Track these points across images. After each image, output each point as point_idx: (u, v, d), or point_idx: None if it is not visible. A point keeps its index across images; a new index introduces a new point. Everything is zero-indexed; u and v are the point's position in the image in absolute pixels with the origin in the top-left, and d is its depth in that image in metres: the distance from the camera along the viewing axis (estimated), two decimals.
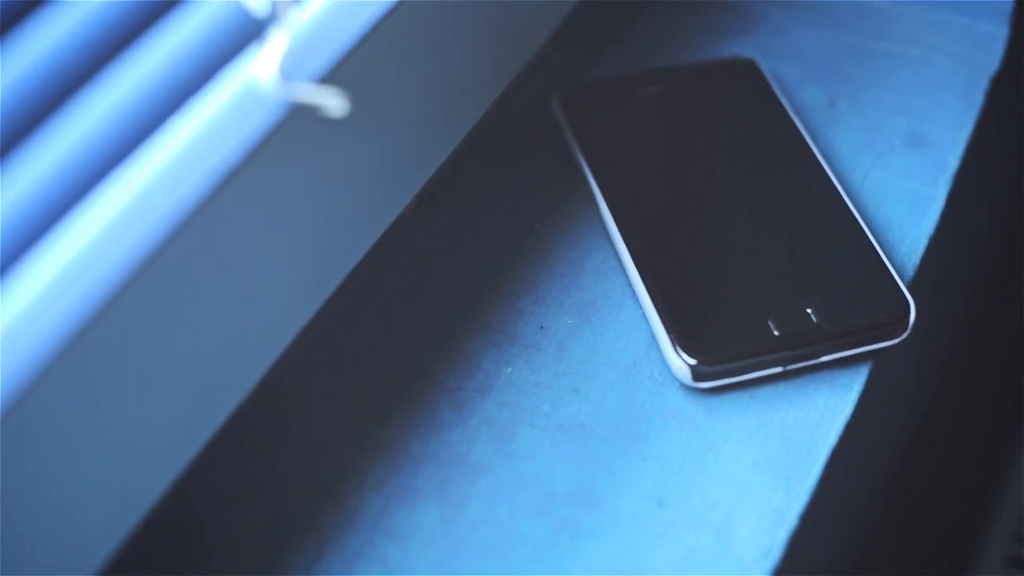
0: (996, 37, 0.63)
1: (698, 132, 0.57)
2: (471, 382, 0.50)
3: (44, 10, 0.37)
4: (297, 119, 0.39)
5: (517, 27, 0.52)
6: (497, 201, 0.56)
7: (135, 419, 0.37)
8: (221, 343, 0.40)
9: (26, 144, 0.36)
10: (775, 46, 0.63)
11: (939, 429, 0.83)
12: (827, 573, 0.62)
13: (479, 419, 0.48)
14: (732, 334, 0.49)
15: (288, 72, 0.39)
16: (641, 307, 0.51)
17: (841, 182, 0.55)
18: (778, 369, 0.49)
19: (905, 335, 0.50)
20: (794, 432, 0.48)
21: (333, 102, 0.39)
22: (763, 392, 0.49)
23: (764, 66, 0.60)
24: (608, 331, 0.51)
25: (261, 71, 0.39)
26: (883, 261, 0.51)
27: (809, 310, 0.49)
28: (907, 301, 0.50)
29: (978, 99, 0.60)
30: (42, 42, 0.37)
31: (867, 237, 0.52)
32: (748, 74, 0.60)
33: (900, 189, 0.56)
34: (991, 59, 0.62)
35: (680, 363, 0.48)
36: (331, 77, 0.40)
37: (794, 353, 0.48)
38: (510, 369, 0.50)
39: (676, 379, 0.49)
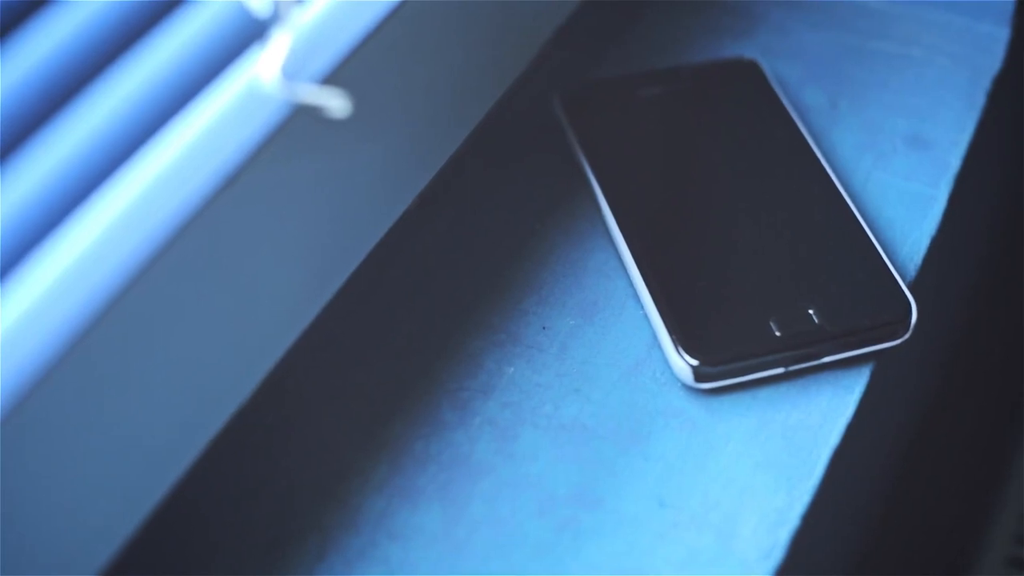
0: (997, 38, 0.63)
1: (700, 133, 0.57)
2: (473, 382, 0.50)
3: (46, 11, 0.37)
4: (299, 120, 0.39)
5: (519, 27, 0.52)
6: (499, 201, 0.56)
7: (137, 419, 0.37)
8: (224, 343, 0.40)
9: (29, 145, 0.36)
10: (776, 47, 0.63)
11: (940, 430, 0.83)
12: (828, 573, 0.62)
13: (482, 419, 0.48)
14: (734, 335, 0.49)
15: (290, 73, 0.39)
16: (643, 308, 0.51)
17: (842, 183, 0.55)
18: (780, 370, 0.49)
19: (907, 336, 0.50)
20: (796, 432, 0.48)
21: (335, 103, 0.39)
22: (765, 393, 0.49)
23: (766, 67, 0.60)
24: (610, 331, 0.51)
25: (264, 72, 0.39)
26: (884, 262, 0.51)
27: (811, 311, 0.49)
28: (908, 302, 0.50)
29: (979, 100, 0.60)
30: (44, 43, 0.37)
31: (868, 238, 0.52)
32: (749, 75, 0.60)
33: (901, 190, 0.56)
34: (992, 60, 0.62)
35: (682, 364, 0.48)
36: (333, 78, 0.40)
37: (796, 354, 0.48)
38: (512, 369, 0.50)
39: (678, 380, 0.49)
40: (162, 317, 0.37)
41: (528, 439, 0.48)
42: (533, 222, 0.55)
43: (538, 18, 0.53)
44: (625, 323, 0.51)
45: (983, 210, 0.76)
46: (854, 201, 0.54)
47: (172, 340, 0.38)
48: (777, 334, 0.49)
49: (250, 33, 0.39)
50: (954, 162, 0.57)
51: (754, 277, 0.51)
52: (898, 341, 0.50)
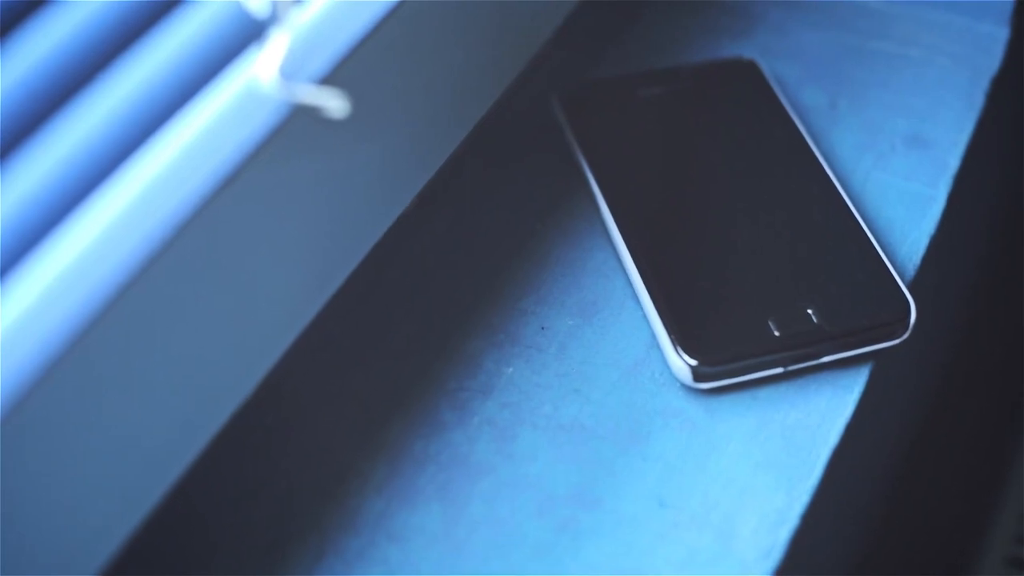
0: (996, 38, 0.63)
1: (699, 133, 0.57)
2: (472, 383, 0.50)
3: (44, 11, 0.37)
4: (298, 120, 0.39)
5: (518, 27, 0.52)
6: (498, 201, 0.56)
7: (136, 419, 0.37)
8: (223, 344, 0.40)
9: (27, 145, 0.36)
10: (775, 47, 0.63)
11: (940, 429, 0.83)
12: (828, 573, 0.62)
13: (480, 420, 0.48)
14: (733, 335, 0.49)
15: (289, 73, 0.39)
16: (642, 308, 0.51)
17: (842, 183, 0.55)
18: (779, 370, 0.49)
19: (906, 336, 0.50)
20: (795, 432, 0.48)
21: (334, 103, 0.39)
22: (764, 392, 0.49)
23: (764, 67, 0.60)
24: (609, 332, 0.51)
25: (262, 72, 0.39)
26: (884, 262, 0.51)
27: (810, 311, 0.49)
28: (908, 302, 0.50)
29: (979, 100, 0.60)
30: (43, 43, 0.37)
31: (868, 238, 0.52)
32: (748, 75, 0.60)
33: (901, 190, 0.56)
34: (991, 60, 0.62)
35: (681, 364, 0.48)
36: (332, 78, 0.40)
37: (795, 353, 0.48)
38: (511, 369, 0.50)
39: (677, 380, 0.49)
40: (161, 317, 0.37)
41: (527, 439, 0.48)
42: (532, 222, 0.55)
43: (537, 18, 0.53)
44: (624, 323, 0.51)
45: (982, 210, 0.76)
46: (853, 201, 0.54)
47: (171, 340, 0.38)
48: (776, 334, 0.49)
49: (248, 33, 0.39)
50: (953, 162, 0.57)
51: (753, 277, 0.51)
52: (897, 341, 0.50)
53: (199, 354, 0.39)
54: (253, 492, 0.47)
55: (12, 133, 0.36)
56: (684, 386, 0.49)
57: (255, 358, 0.42)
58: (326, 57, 0.40)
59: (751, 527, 0.45)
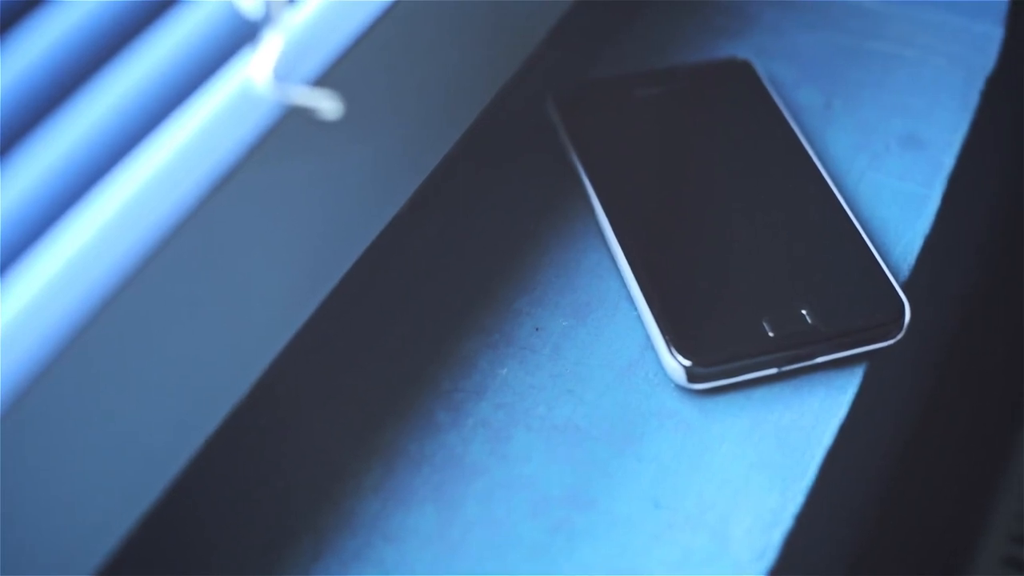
0: (991, 37, 0.63)
1: (693, 133, 0.57)
2: (467, 384, 0.50)
3: (38, 13, 0.37)
4: (291, 121, 0.39)
5: (512, 28, 0.52)
6: (492, 202, 0.56)
7: (133, 418, 0.37)
8: (218, 343, 0.40)
9: (23, 146, 0.36)
10: (770, 47, 0.63)
11: (934, 430, 0.83)
12: (822, 574, 0.62)
13: (475, 421, 0.48)
14: (727, 335, 0.49)
15: (282, 74, 0.39)
16: (636, 308, 0.51)
17: (836, 183, 0.55)
18: (773, 370, 0.49)
19: (900, 336, 0.50)
20: (789, 433, 0.48)
21: (327, 104, 0.39)
22: (758, 393, 0.49)
23: (759, 67, 0.60)
24: (603, 332, 0.51)
25: (255, 73, 0.39)
26: (878, 262, 0.51)
27: (804, 311, 0.49)
28: (902, 302, 0.50)
29: (973, 100, 0.60)
30: (36, 45, 0.37)
31: (862, 238, 0.52)
32: (743, 75, 0.60)
33: (895, 190, 0.56)
34: (986, 60, 0.62)
35: (675, 364, 0.48)
36: (325, 79, 0.40)
37: (789, 354, 0.49)
38: (505, 371, 0.50)
39: (671, 380, 0.49)
40: (156, 317, 0.37)
41: (521, 440, 0.48)
42: (526, 223, 0.55)
43: (531, 19, 0.53)
44: (618, 324, 0.51)
45: (977, 210, 0.76)
46: (848, 201, 0.54)
47: (166, 339, 0.38)
48: (770, 334, 0.49)
49: (242, 35, 0.39)
50: (948, 162, 0.57)
51: (747, 277, 0.51)
52: (891, 341, 0.50)
53: (194, 354, 0.39)
54: (249, 492, 0.47)
55: (8, 133, 0.36)
56: (678, 387, 0.49)
57: (250, 358, 0.42)
58: (320, 58, 0.40)
59: (745, 528, 0.45)
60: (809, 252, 0.52)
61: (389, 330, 0.52)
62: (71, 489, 0.36)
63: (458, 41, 0.48)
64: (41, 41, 0.37)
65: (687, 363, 0.48)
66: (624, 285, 0.52)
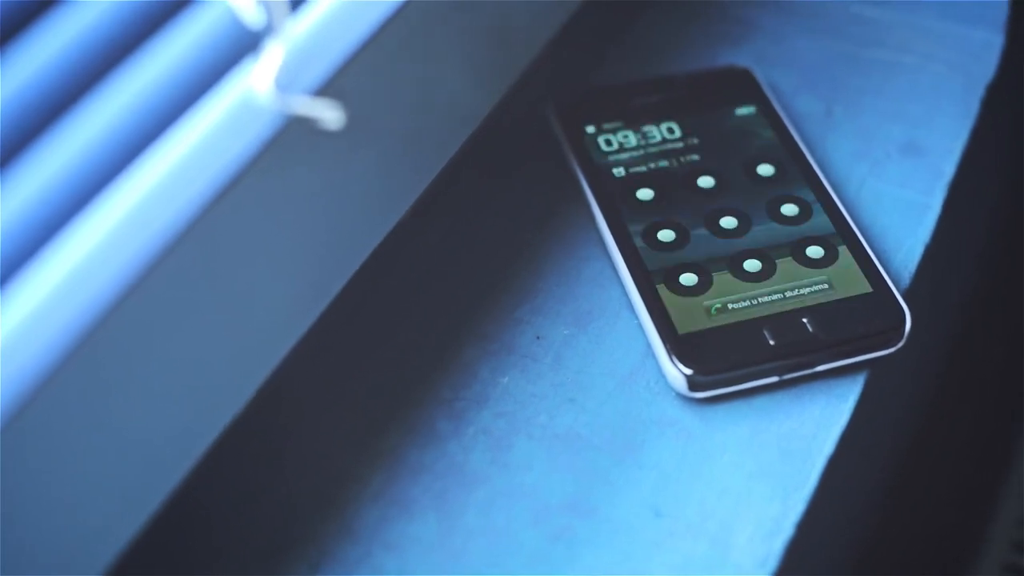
0: (991, 45, 0.63)
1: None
2: (468, 392, 0.50)
3: (40, 24, 0.37)
4: (293, 131, 0.39)
5: (514, 36, 0.52)
6: (494, 210, 0.56)
7: (136, 424, 0.37)
8: (220, 352, 0.40)
9: (26, 155, 0.36)
10: (770, 54, 0.63)
11: (935, 437, 0.83)
12: None
13: (476, 429, 0.49)
14: (728, 344, 0.49)
15: (284, 84, 0.39)
16: (637, 317, 0.51)
17: (837, 190, 0.55)
18: (774, 379, 0.49)
19: (901, 344, 0.50)
20: (790, 441, 0.48)
21: (329, 114, 0.39)
22: (759, 401, 0.49)
23: (759, 74, 0.60)
24: (604, 341, 0.51)
25: (257, 83, 0.39)
26: (879, 270, 0.51)
27: (805, 319, 0.49)
28: (903, 310, 0.50)
29: (974, 107, 0.60)
30: (39, 55, 0.37)
31: (863, 246, 0.52)
32: (743, 83, 0.60)
33: (896, 198, 0.56)
34: (986, 67, 0.62)
35: (676, 373, 0.48)
36: (327, 89, 0.40)
37: (790, 363, 0.49)
38: (507, 379, 0.50)
39: (672, 389, 0.49)
40: (158, 324, 0.37)
41: (522, 449, 0.48)
42: (527, 231, 0.55)
43: (532, 26, 0.53)
44: (619, 332, 0.51)
45: (978, 218, 0.76)
46: (848, 208, 0.54)
47: (168, 347, 0.38)
48: (771, 343, 0.49)
49: (244, 45, 0.39)
50: (948, 170, 0.58)
51: (748, 284, 0.51)
52: (892, 349, 0.50)
53: (197, 361, 0.39)
54: (250, 500, 0.47)
55: (11, 143, 0.36)
56: (679, 395, 0.49)
57: (252, 366, 0.42)
58: (321, 68, 0.40)
59: (746, 536, 0.45)
60: (810, 260, 0.52)
61: (390, 338, 0.52)
62: (75, 494, 0.36)
63: (460, 50, 0.48)
64: (44, 51, 0.37)
65: (688, 371, 0.48)
66: (625, 293, 0.52)
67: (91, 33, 0.38)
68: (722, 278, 0.51)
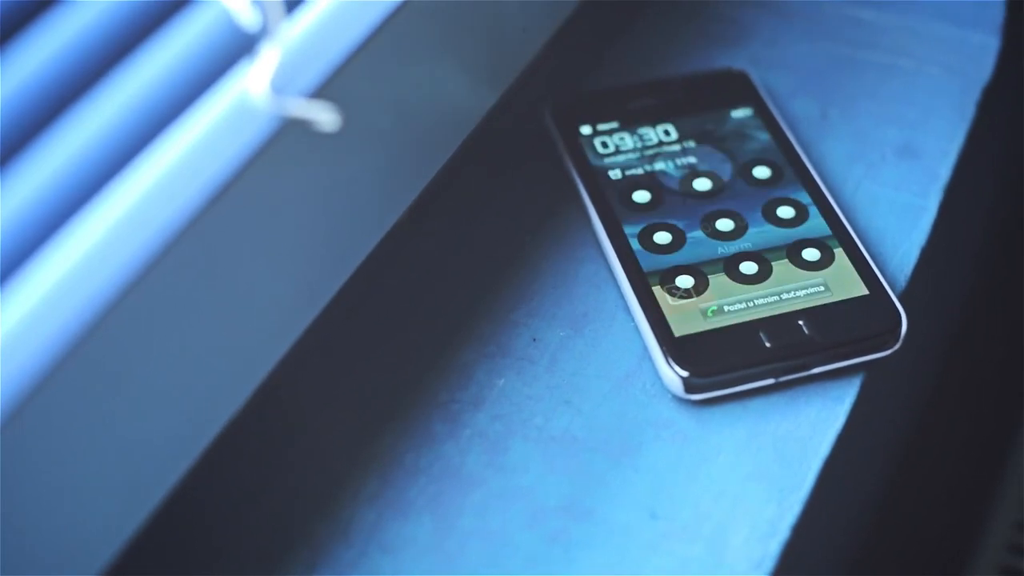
0: (987, 48, 0.63)
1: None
2: (464, 394, 0.50)
3: (38, 25, 0.37)
4: (289, 133, 0.39)
5: (510, 38, 0.52)
6: (490, 213, 0.56)
7: (133, 425, 0.37)
8: (216, 353, 0.40)
9: (23, 157, 0.36)
10: (767, 57, 0.63)
11: (931, 440, 0.83)
12: None
13: (472, 431, 0.49)
14: (724, 346, 0.49)
15: (280, 87, 0.39)
16: (633, 319, 0.51)
17: (832, 193, 0.55)
18: (770, 381, 0.49)
19: (897, 347, 0.50)
20: (786, 443, 0.48)
21: (325, 117, 0.39)
22: (755, 404, 0.49)
23: (756, 77, 0.60)
24: (600, 343, 0.51)
25: (253, 86, 0.39)
26: (874, 272, 0.51)
27: (801, 322, 0.49)
28: (898, 313, 0.50)
29: (970, 110, 0.60)
30: (35, 57, 0.37)
31: (858, 248, 0.52)
32: (740, 85, 0.60)
33: (891, 200, 0.56)
34: (982, 70, 0.62)
35: (672, 375, 0.48)
36: (323, 91, 0.40)
37: (786, 365, 0.49)
38: (503, 381, 0.50)
39: (668, 391, 0.49)
40: (154, 326, 0.37)
41: (518, 451, 0.48)
42: (524, 234, 0.55)
43: (530, 29, 0.53)
44: (615, 335, 0.51)
45: (974, 220, 0.76)
46: (844, 211, 0.54)
47: (164, 349, 0.38)
48: (767, 345, 0.49)
49: (239, 47, 0.39)
50: (944, 172, 0.58)
51: (744, 287, 0.51)
52: (888, 352, 0.50)
53: (193, 362, 0.39)
54: (245, 502, 0.47)
55: (9, 143, 0.36)
56: (675, 397, 0.49)
57: (248, 368, 0.42)
58: (317, 70, 0.40)
59: (742, 538, 0.45)
60: (805, 262, 0.52)
61: (387, 340, 0.52)
62: (74, 493, 0.36)
63: (456, 52, 0.48)
64: (41, 52, 0.37)
65: (684, 373, 0.48)
66: (621, 296, 0.52)
67: (88, 34, 0.38)
68: (718, 280, 0.51)
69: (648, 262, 0.52)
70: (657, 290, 0.51)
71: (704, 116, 0.58)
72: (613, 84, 0.61)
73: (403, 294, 0.53)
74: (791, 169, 0.56)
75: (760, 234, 0.53)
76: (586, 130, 0.57)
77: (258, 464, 0.48)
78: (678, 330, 0.49)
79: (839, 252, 0.52)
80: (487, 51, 0.51)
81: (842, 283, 0.51)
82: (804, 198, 0.54)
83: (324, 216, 0.44)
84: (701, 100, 0.59)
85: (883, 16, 0.65)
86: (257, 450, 0.48)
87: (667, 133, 0.57)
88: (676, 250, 0.52)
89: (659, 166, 0.56)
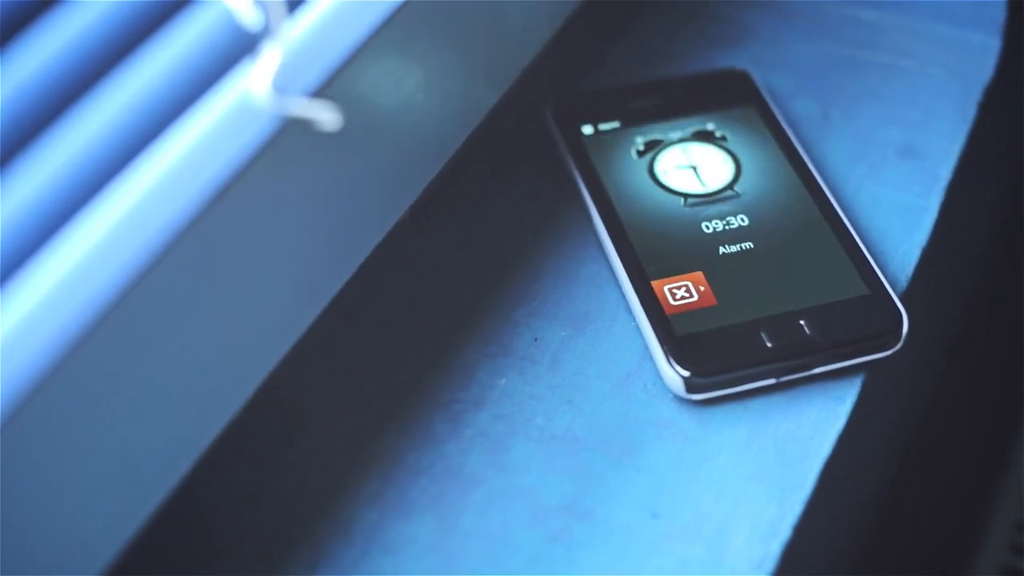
0: (989, 48, 0.63)
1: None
2: (465, 394, 0.50)
3: (39, 24, 0.37)
4: (291, 133, 0.39)
5: (512, 37, 0.52)
6: (491, 211, 0.56)
7: (134, 425, 0.37)
8: (217, 353, 0.40)
9: (25, 155, 0.36)
10: (768, 57, 0.63)
11: (933, 440, 0.83)
12: None
13: (473, 431, 0.49)
14: (725, 346, 0.49)
15: (282, 86, 0.39)
16: (634, 319, 0.51)
17: (834, 193, 0.55)
18: (771, 381, 0.49)
19: (898, 347, 0.50)
20: (787, 443, 0.48)
21: (326, 116, 0.39)
22: (756, 404, 0.49)
23: (757, 77, 0.60)
24: (602, 343, 0.51)
25: (255, 85, 0.39)
26: (876, 273, 0.51)
27: (802, 322, 0.49)
28: (900, 313, 0.50)
29: (971, 110, 0.60)
30: (37, 56, 0.37)
31: (860, 248, 0.52)
32: (741, 85, 0.60)
33: (893, 200, 0.56)
34: (984, 70, 0.62)
35: (673, 375, 0.48)
36: (325, 91, 0.40)
37: (787, 365, 0.49)
38: (504, 381, 0.50)
39: (669, 391, 0.49)
40: (157, 325, 0.37)
41: (520, 451, 0.48)
42: (525, 233, 0.55)
43: (531, 29, 0.53)
44: (617, 334, 0.52)
45: (975, 221, 0.76)
46: (845, 211, 0.54)
47: (166, 348, 0.38)
48: (768, 345, 0.49)
49: (241, 47, 0.39)
50: (946, 173, 0.58)
51: (745, 287, 0.51)
52: (889, 352, 0.50)
53: (194, 362, 0.39)
54: (246, 502, 0.47)
55: (9, 143, 0.36)
56: (676, 397, 0.49)
57: (249, 367, 0.42)
58: (319, 70, 0.40)
59: (743, 538, 0.45)
60: (807, 262, 0.52)
61: (388, 340, 0.52)
62: (74, 494, 0.36)
63: (457, 51, 0.49)
64: (42, 51, 0.37)
65: (685, 373, 0.48)
66: (622, 295, 0.52)
67: (89, 34, 0.38)
68: (720, 280, 0.51)
69: (649, 262, 0.52)
70: (658, 290, 0.51)
71: (705, 116, 0.58)
72: (614, 84, 0.62)
73: (404, 293, 0.53)
74: (793, 169, 0.56)
75: (762, 234, 0.53)
76: (587, 130, 0.57)
77: (260, 464, 0.48)
78: (679, 330, 0.49)
79: (840, 252, 0.52)
80: (488, 51, 0.51)
81: (844, 283, 0.51)
82: (806, 198, 0.54)
83: (325, 216, 0.44)
84: (702, 100, 0.59)
85: (884, 16, 0.65)
86: (258, 450, 0.48)
87: (668, 133, 0.57)
88: (678, 250, 0.52)
89: (660, 166, 0.56)
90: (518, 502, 0.46)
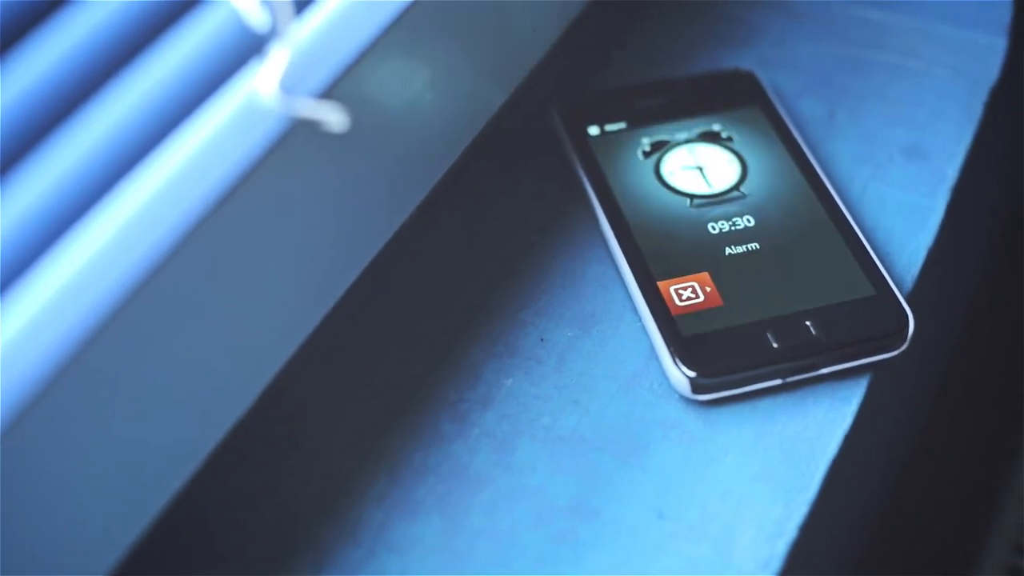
0: (995, 48, 0.63)
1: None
2: (472, 394, 0.50)
3: (46, 25, 0.37)
4: (298, 134, 0.39)
5: (519, 37, 0.52)
6: (498, 211, 0.56)
7: (139, 428, 0.37)
8: (224, 354, 0.40)
9: (30, 158, 0.36)
10: (774, 57, 0.63)
11: (938, 440, 0.83)
12: None
13: (480, 431, 0.49)
14: (731, 346, 0.49)
15: (289, 87, 0.39)
16: (640, 319, 0.51)
17: (840, 193, 0.55)
18: (777, 381, 0.49)
19: (904, 347, 0.50)
20: (793, 444, 0.48)
21: (334, 117, 0.39)
22: (762, 404, 0.49)
23: (763, 77, 0.60)
24: (608, 343, 0.51)
25: (262, 86, 0.39)
26: (882, 273, 0.51)
27: (808, 322, 0.49)
28: (906, 313, 0.50)
29: (977, 111, 0.60)
30: (45, 57, 0.37)
31: (866, 249, 0.52)
32: (747, 86, 0.60)
33: (899, 201, 0.56)
34: (990, 70, 0.62)
35: (680, 375, 0.48)
36: (332, 92, 0.40)
37: (793, 365, 0.49)
38: (511, 381, 0.50)
39: (676, 391, 0.49)
40: (164, 327, 0.37)
41: (526, 451, 0.48)
42: (531, 233, 0.55)
43: (538, 29, 0.53)
44: (623, 335, 0.52)
45: (981, 220, 0.76)
46: (851, 212, 0.54)
47: (173, 350, 0.38)
48: (774, 345, 0.49)
49: (249, 48, 0.39)
50: (952, 173, 0.58)
51: (751, 288, 0.51)
52: (895, 353, 0.50)
53: (200, 364, 0.39)
54: (254, 503, 0.47)
55: (16, 145, 0.36)
56: (682, 398, 0.49)
57: (255, 369, 0.42)
58: (326, 71, 0.40)
59: (749, 538, 0.45)
60: (813, 263, 0.52)
61: (395, 340, 0.52)
62: (78, 497, 0.36)
63: (465, 52, 0.49)
64: (50, 53, 0.37)
65: (691, 374, 0.48)
66: (628, 296, 0.52)
67: (97, 35, 0.38)
68: (726, 280, 0.51)
69: (656, 263, 0.52)
70: (664, 290, 0.51)
71: (711, 117, 0.58)
72: (621, 84, 0.62)
73: (411, 294, 0.53)
74: (799, 170, 0.56)
75: (768, 234, 0.53)
76: (594, 130, 0.57)
77: (265, 465, 0.48)
78: (685, 330, 0.49)
79: (846, 252, 0.52)
80: (496, 51, 0.51)
81: (850, 283, 0.51)
82: (811, 199, 0.54)
83: (333, 216, 0.44)
84: (708, 101, 0.59)
85: (891, 17, 0.65)
86: (264, 451, 0.48)
87: (674, 133, 0.57)
88: (684, 251, 0.52)
89: (666, 166, 0.56)
90: (524, 502, 0.47)
